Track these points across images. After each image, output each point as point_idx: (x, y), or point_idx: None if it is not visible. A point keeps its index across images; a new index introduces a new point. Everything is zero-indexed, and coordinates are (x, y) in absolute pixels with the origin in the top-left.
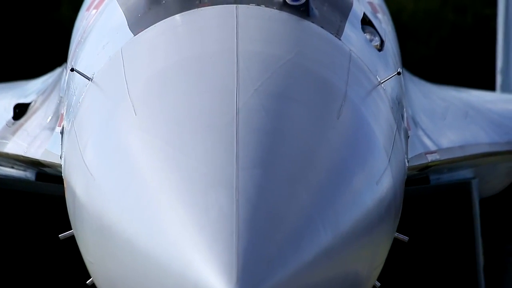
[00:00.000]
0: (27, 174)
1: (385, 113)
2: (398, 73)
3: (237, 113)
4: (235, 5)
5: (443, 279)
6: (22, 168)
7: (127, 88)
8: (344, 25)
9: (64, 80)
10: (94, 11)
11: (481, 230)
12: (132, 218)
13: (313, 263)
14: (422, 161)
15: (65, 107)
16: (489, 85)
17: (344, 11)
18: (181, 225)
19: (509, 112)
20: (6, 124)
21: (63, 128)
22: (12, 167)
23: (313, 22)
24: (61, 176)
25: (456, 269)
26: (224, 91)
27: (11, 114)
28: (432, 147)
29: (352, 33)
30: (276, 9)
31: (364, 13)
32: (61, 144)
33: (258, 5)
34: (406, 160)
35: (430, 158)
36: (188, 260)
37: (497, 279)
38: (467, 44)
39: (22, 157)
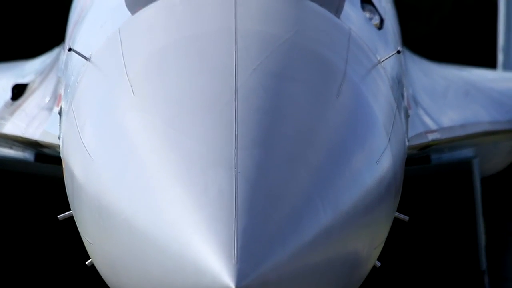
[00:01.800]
0: (26, 155)
1: (385, 92)
2: (398, 52)
3: (235, 93)
4: None
5: (444, 258)
6: (20, 148)
7: (125, 67)
8: (344, 4)
9: (62, 60)
10: None
11: (482, 209)
12: (130, 198)
13: (312, 242)
14: (423, 140)
15: (63, 88)
16: (491, 63)
17: None
18: (179, 205)
19: (510, 90)
20: (4, 105)
21: (61, 108)
22: (11, 148)
23: (312, 1)
24: (60, 157)
25: (457, 248)
26: (222, 70)
27: (9, 94)
28: (433, 126)
29: (352, 11)
30: None
31: None
32: (59, 125)
33: None
34: (406, 139)
35: (431, 137)
36: (187, 240)
37: (498, 258)
38: (469, 22)
39: (20, 138)
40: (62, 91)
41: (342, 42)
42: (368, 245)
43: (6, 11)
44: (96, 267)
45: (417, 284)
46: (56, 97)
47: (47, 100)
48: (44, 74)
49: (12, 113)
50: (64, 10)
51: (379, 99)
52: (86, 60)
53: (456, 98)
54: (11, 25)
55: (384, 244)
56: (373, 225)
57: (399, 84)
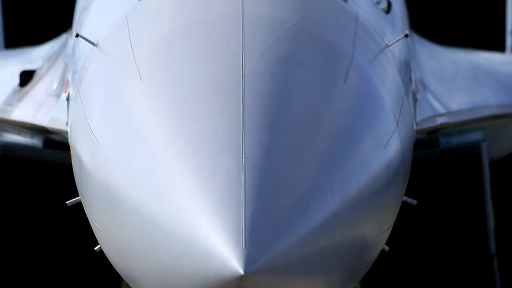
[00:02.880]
0: (34, 141)
1: (392, 76)
2: (406, 36)
3: (243, 78)
4: None
5: (453, 242)
6: (29, 135)
7: (132, 53)
8: None
9: (70, 46)
10: None
11: (491, 192)
12: (138, 184)
13: (320, 227)
14: (431, 124)
15: (70, 74)
16: (499, 47)
17: None
18: (187, 190)
19: None
20: (12, 91)
21: (68, 94)
22: (19, 134)
23: None
24: (68, 143)
25: (466, 232)
26: (230, 55)
27: (17, 81)
28: (441, 109)
29: None
30: None
31: None
32: (67, 111)
33: None
34: (414, 123)
35: (439, 120)
36: (195, 225)
37: (507, 241)
38: (477, 6)
39: (28, 124)
40: (69, 77)
41: (349, 26)
42: (376, 229)
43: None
44: (105, 252)
45: (426, 267)
46: (63, 83)
47: (54, 86)
48: (51, 60)
49: (20, 100)
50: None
51: (387, 83)
52: (94, 46)
53: (464, 82)
54: (19, 11)
55: (393, 228)
56: (381, 209)
57: (407, 68)
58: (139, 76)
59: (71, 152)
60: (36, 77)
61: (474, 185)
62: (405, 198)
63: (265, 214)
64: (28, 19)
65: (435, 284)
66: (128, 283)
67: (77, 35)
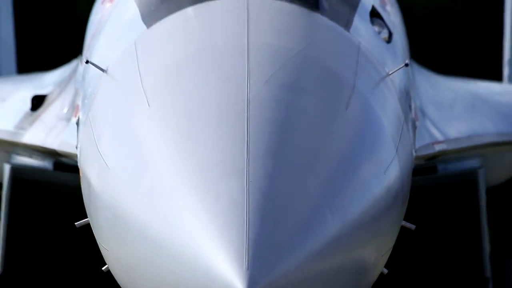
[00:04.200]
0: (45, 164)
1: (393, 104)
2: (406, 65)
3: (247, 104)
4: None
5: (450, 265)
6: (39, 157)
7: (141, 79)
8: (353, 18)
9: (80, 72)
10: (109, 4)
11: (487, 218)
12: (145, 207)
13: (321, 251)
14: (430, 151)
15: (80, 99)
16: (497, 77)
17: (353, 3)
18: (193, 213)
19: None
20: (24, 115)
21: (78, 119)
22: (30, 157)
23: (322, 15)
24: (78, 166)
25: (462, 255)
26: (235, 82)
27: (29, 105)
28: (440, 137)
29: (361, 25)
30: (286, 1)
31: (373, 6)
32: (77, 135)
33: None
34: (413, 150)
35: (438, 148)
36: (200, 248)
37: (502, 265)
38: (476, 37)
39: (39, 147)
40: (79, 102)
41: (351, 55)
42: (376, 252)
43: (26, 24)
44: (112, 273)
45: None
46: (74, 108)
47: (65, 110)
48: (62, 85)
49: (31, 123)
50: (82, 24)
51: (387, 110)
52: (103, 72)
53: (463, 110)
54: (31, 38)
55: (391, 252)
56: (381, 234)
57: (406, 96)
58: (147, 101)
59: (80, 174)
60: (47, 102)
61: (470, 210)
62: (404, 222)
63: (267, 237)
64: (39, 46)
65: None
66: None
67: (87, 62)
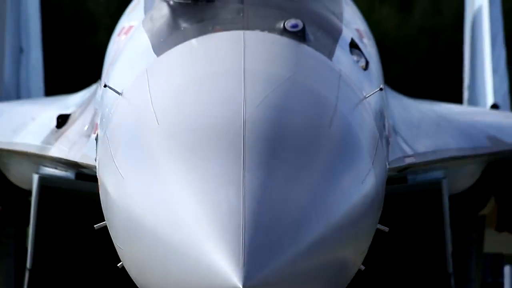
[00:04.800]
0: (68, 174)
1: (369, 123)
2: (381, 89)
3: (244, 123)
4: (243, 31)
5: (417, 262)
6: (64, 168)
7: (151, 102)
8: (335, 48)
9: (99, 94)
10: (124, 36)
11: (450, 221)
12: (154, 212)
13: (308, 250)
14: (401, 164)
15: (99, 118)
16: (458, 99)
17: (335, 36)
18: (196, 217)
19: (474, 122)
20: (50, 132)
21: (97, 135)
22: (56, 168)
23: (308, 46)
24: (96, 176)
25: (428, 254)
26: (233, 104)
27: (55, 123)
28: (409, 151)
29: (342, 55)
30: (278, 34)
31: (352, 38)
32: (96, 149)
33: (262, 31)
34: (387, 163)
35: (408, 161)
36: (202, 247)
37: (462, 262)
38: (440, 65)
39: (63, 160)
40: (98, 121)
41: (333, 80)
42: (354, 252)
43: (53, 53)
44: (126, 268)
45: (395, 284)
46: (93, 126)
47: (86, 128)
48: (83, 106)
49: (56, 139)
50: (100, 53)
51: (364, 129)
52: (119, 94)
53: (429, 129)
54: (57, 65)
55: (368, 251)
56: (359, 235)
57: (381, 116)
58: (157, 120)
59: (99, 183)
60: (70, 120)
61: (435, 215)
62: (378, 225)
63: (261, 238)
64: (64, 72)
65: None
66: None
67: (105, 86)
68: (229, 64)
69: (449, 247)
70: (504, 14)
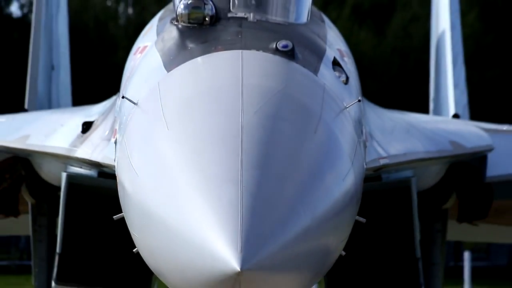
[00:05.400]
0: (91, 172)
1: (349, 129)
2: (359, 101)
3: (241, 129)
4: (241, 51)
5: (390, 249)
6: (88, 168)
7: (162, 110)
8: (320, 65)
9: (118, 104)
10: (139, 55)
11: (418, 214)
12: (165, 205)
13: (296, 238)
14: (376, 164)
15: (118, 124)
16: (425, 110)
17: (320, 55)
18: (200, 210)
19: (439, 129)
20: (76, 137)
21: (116, 139)
22: (81, 167)
23: (297, 63)
24: (115, 174)
25: (399, 241)
26: (232, 112)
27: (80, 129)
28: (383, 154)
29: (326, 71)
30: (271, 53)
31: (334, 57)
32: (115, 151)
33: (258, 50)
34: (364, 163)
35: (382, 162)
36: (205, 236)
37: (428, 249)
38: (409, 81)
39: (87, 160)
40: (117, 127)
41: (318, 93)
42: (336, 239)
43: (79, 70)
44: (140, 253)
45: (370, 267)
46: (113, 131)
47: (106, 133)
48: (105, 114)
49: (82, 142)
50: (120, 69)
51: (345, 134)
52: (135, 105)
53: (400, 134)
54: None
55: (348, 239)
56: (340, 225)
57: (359, 124)
58: (167, 126)
59: (117, 180)
60: (93, 127)
61: (406, 208)
62: (357, 217)
63: (256, 228)
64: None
65: (376, 279)
66: (157, 276)
67: (123, 97)
68: (229, 79)
69: (417, 236)
70: (463, 38)
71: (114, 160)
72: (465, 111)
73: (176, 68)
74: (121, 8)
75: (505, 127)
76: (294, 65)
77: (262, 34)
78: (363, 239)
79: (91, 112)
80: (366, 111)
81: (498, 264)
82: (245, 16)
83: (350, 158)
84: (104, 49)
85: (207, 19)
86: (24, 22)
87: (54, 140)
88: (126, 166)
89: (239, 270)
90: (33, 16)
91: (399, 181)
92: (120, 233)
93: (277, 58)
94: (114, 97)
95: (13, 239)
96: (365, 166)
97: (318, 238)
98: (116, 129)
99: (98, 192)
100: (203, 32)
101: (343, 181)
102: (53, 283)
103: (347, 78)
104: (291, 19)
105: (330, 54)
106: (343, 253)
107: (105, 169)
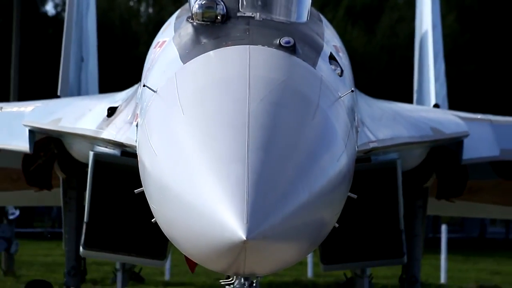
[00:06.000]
0: (115, 152)
1: (343, 116)
2: (352, 91)
3: (248, 115)
4: (248, 46)
5: (376, 222)
6: (112, 147)
7: (178, 98)
8: (318, 59)
9: (139, 92)
10: (159, 49)
11: (402, 191)
12: (180, 181)
13: (296, 212)
14: (366, 147)
15: (139, 109)
16: (409, 100)
17: (318, 50)
18: (211, 186)
19: (421, 117)
20: (103, 120)
21: (137, 123)
22: (106, 147)
23: (298, 57)
24: (136, 153)
25: (385, 215)
26: (240, 100)
27: (106, 113)
28: (373, 138)
29: (323, 64)
30: (275, 48)
31: (331, 52)
32: (136, 133)
33: (263, 45)
34: (356, 147)
35: (372, 145)
36: (216, 208)
37: (410, 221)
38: (396, 75)
39: (112, 141)
40: (138, 112)
41: (316, 84)
42: (331, 213)
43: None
44: (158, 224)
45: (360, 237)
46: (134, 115)
47: (129, 117)
48: (128, 100)
49: (107, 125)
50: (141, 62)
51: (340, 120)
52: (154, 92)
53: (387, 121)
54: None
55: (341, 213)
56: (334, 200)
57: (352, 111)
58: (182, 112)
59: (138, 159)
60: (117, 111)
61: (391, 186)
62: (349, 194)
63: (260, 202)
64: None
65: (365, 248)
66: (173, 243)
67: (144, 85)
68: (237, 71)
69: (401, 210)
70: (443, 37)
71: (136, 141)
72: (444, 102)
73: (191, 61)
74: (142, 7)
75: (479, 115)
76: (295, 59)
77: (267, 31)
78: (354, 213)
79: (116, 98)
80: (358, 101)
81: (471, 236)
82: (252, 15)
83: (344, 141)
84: (128, 43)
85: (218, 17)
86: (57, 19)
87: (83, 123)
88: (146, 146)
89: (245, 238)
90: (65, 15)
91: (386, 162)
92: (140, 205)
93: (280, 53)
94: (136, 86)
95: (46, 209)
96: (356, 149)
97: (314, 211)
98: (137, 114)
99: (121, 169)
100: (215, 29)
101: (337, 161)
102: (81, 248)
103: (342, 71)
104: (293, 18)
105: (327, 49)
106: (337, 225)
107: (127, 149)
